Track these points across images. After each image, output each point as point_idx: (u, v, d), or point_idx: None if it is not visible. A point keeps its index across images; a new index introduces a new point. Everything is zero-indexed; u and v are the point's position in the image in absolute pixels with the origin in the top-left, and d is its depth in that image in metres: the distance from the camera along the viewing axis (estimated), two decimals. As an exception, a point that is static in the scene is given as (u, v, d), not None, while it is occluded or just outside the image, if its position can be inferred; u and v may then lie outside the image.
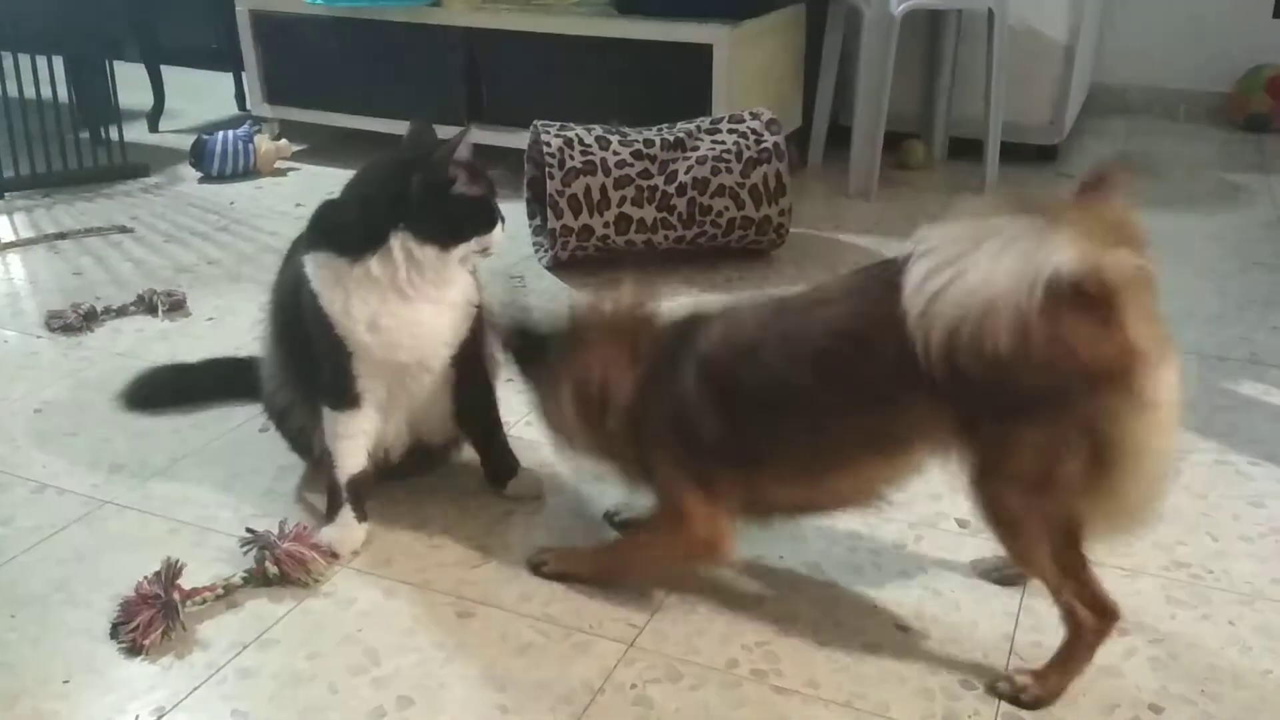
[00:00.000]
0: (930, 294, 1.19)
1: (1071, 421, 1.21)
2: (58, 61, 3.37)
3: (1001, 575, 1.54)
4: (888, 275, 1.29)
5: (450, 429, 1.74)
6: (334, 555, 1.59)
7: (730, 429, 1.42)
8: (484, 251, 1.59)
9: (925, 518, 1.68)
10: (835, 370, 1.34)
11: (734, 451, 1.43)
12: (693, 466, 1.46)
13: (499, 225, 1.58)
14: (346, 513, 1.62)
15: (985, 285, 1.16)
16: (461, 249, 1.55)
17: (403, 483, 1.77)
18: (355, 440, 1.62)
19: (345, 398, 1.59)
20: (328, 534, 1.61)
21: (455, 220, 1.54)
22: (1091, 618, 1.29)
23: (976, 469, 1.29)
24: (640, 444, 1.51)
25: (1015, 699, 1.32)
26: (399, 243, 1.51)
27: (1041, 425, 1.22)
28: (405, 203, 1.51)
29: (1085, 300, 1.16)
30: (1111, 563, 1.53)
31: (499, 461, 1.78)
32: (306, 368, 1.63)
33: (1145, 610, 1.49)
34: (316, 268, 1.55)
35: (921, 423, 1.30)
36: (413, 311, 1.56)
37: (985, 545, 1.61)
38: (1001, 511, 1.28)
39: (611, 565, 1.56)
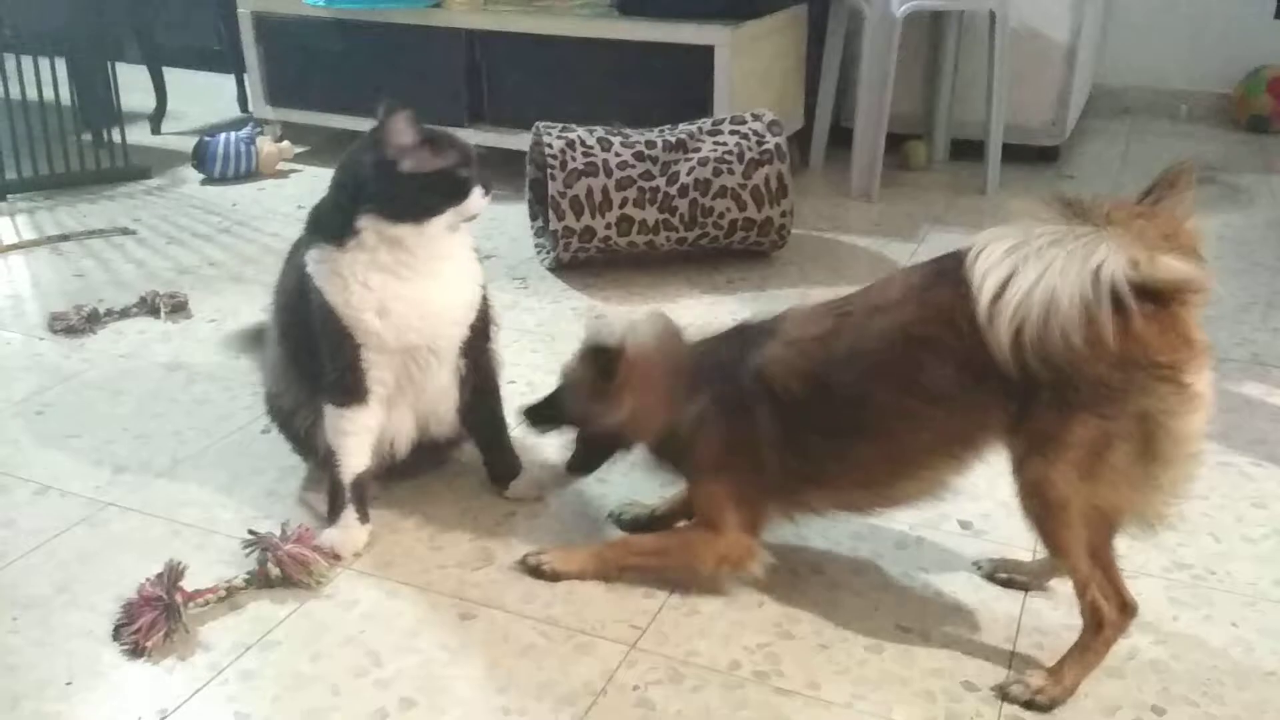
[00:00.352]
0: (994, 293, 1.22)
1: (1129, 412, 1.23)
2: (60, 64, 3.37)
3: (1004, 577, 1.54)
4: (944, 270, 1.32)
5: (456, 423, 1.74)
6: (336, 557, 1.59)
7: (793, 450, 1.44)
8: (468, 219, 1.58)
9: (927, 519, 1.68)
10: (906, 377, 1.35)
11: (794, 471, 1.45)
12: (742, 486, 1.47)
13: (474, 193, 1.56)
14: (349, 514, 1.62)
15: (1045, 286, 1.19)
16: (437, 222, 1.54)
17: (405, 485, 1.77)
18: (360, 438, 1.62)
19: (352, 393, 1.59)
20: (329, 536, 1.61)
21: (417, 196, 1.53)
22: (1114, 613, 1.30)
23: (1026, 453, 1.30)
24: (689, 455, 1.52)
25: (1030, 701, 1.32)
26: (369, 224, 1.51)
27: (1100, 415, 1.24)
28: (363, 186, 1.52)
29: (1147, 299, 1.20)
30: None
31: (502, 462, 1.78)
32: (311, 367, 1.62)
33: (1148, 611, 1.48)
34: (315, 262, 1.56)
35: (988, 418, 1.32)
36: (417, 291, 1.56)
37: (988, 546, 1.61)
38: (1049, 494, 1.29)
39: (619, 563, 1.55)
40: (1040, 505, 1.30)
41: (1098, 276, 1.18)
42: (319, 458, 1.70)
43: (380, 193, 1.51)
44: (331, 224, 1.55)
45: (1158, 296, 1.21)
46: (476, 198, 1.56)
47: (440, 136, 1.56)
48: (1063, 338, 1.19)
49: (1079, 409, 1.24)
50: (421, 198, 1.53)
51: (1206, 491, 1.75)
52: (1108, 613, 1.31)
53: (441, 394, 1.67)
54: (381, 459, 1.68)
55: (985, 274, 1.23)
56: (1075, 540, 1.30)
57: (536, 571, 1.56)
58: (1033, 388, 1.25)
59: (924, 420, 1.36)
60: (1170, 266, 1.20)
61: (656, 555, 1.55)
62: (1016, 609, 1.49)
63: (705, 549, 1.49)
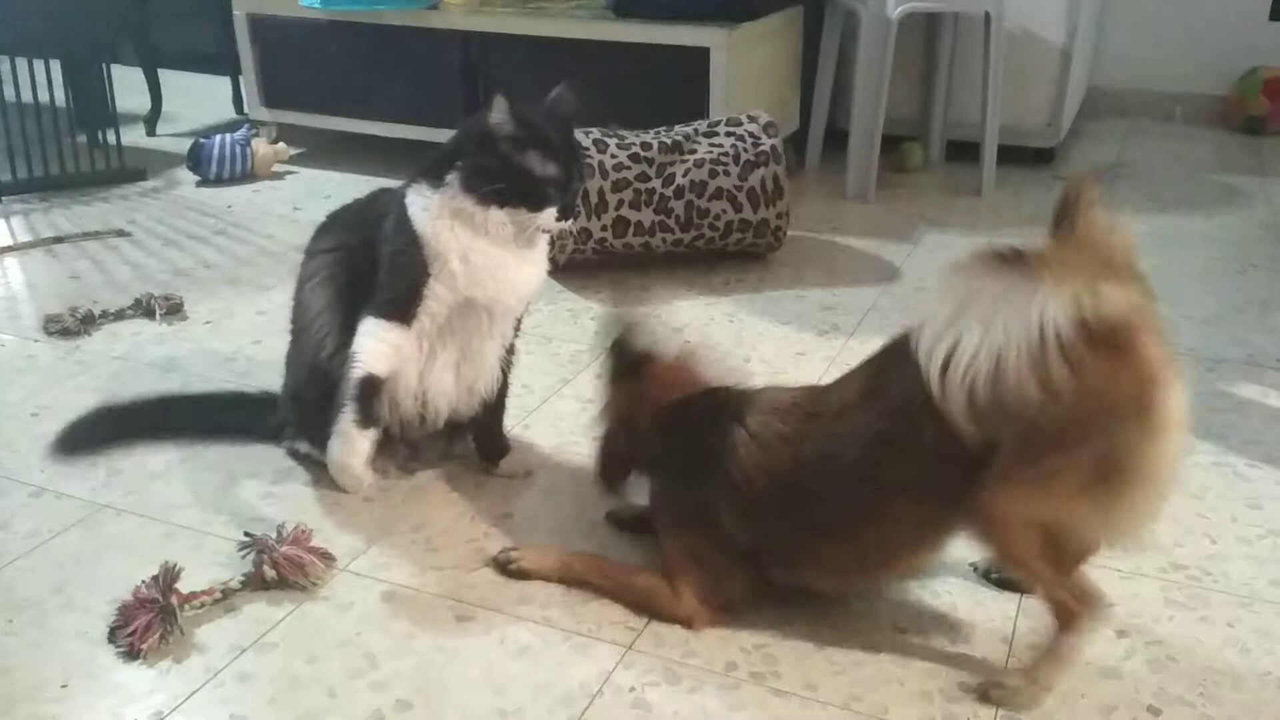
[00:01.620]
0: (940, 365, 1.20)
1: (1087, 450, 1.21)
2: (55, 65, 3.37)
3: (1000, 577, 1.54)
4: (894, 353, 1.31)
5: (482, 402, 1.76)
6: (345, 486, 1.67)
7: (758, 535, 1.43)
8: (536, 229, 1.60)
9: (923, 520, 1.68)
10: (874, 480, 1.34)
11: (761, 552, 1.44)
12: (706, 549, 1.46)
13: (547, 211, 1.58)
14: (346, 416, 1.62)
15: (990, 346, 1.17)
16: (498, 213, 1.57)
17: (401, 487, 1.77)
18: (386, 348, 1.62)
19: (401, 312, 1.61)
20: (330, 449, 1.65)
21: (495, 180, 1.55)
22: (1082, 608, 1.29)
23: (979, 490, 1.27)
24: (657, 500, 1.54)
25: (1011, 702, 1.32)
26: (453, 180, 1.57)
27: (1057, 454, 1.22)
28: (464, 144, 1.59)
29: (1095, 337, 1.16)
30: (1110, 564, 1.53)
31: (495, 439, 1.81)
32: (356, 305, 1.64)
33: (1143, 612, 1.49)
34: (415, 195, 1.61)
35: (959, 497, 1.28)
36: (497, 253, 1.59)
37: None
38: (991, 512, 1.27)
39: (583, 577, 1.54)
40: (984, 523, 1.29)
41: (1041, 324, 1.15)
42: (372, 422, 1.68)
43: (472, 161, 1.56)
44: (433, 169, 1.60)
45: (1109, 329, 1.17)
46: (546, 215, 1.58)
47: (557, 145, 1.57)
48: (1015, 394, 1.17)
49: (1038, 451, 1.22)
50: (496, 183, 1.55)
51: (1202, 492, 1.76)
52: (1077, 609, 1.29)
53: (486, 364, 1.72)
54: (418, 420, 1.71)
55: (930, 350, 1.21)
56: (1026, 550, 1.28)
57: (505, 567, 1.56)
58: (995, 450, 1.23)
59: (895, 519, 1.35)
60: (1113, 297, 1.17)
61: (617, 589, 1.52)
62: (1013, 609, 1.49)
63: (661, 607, 1.48)
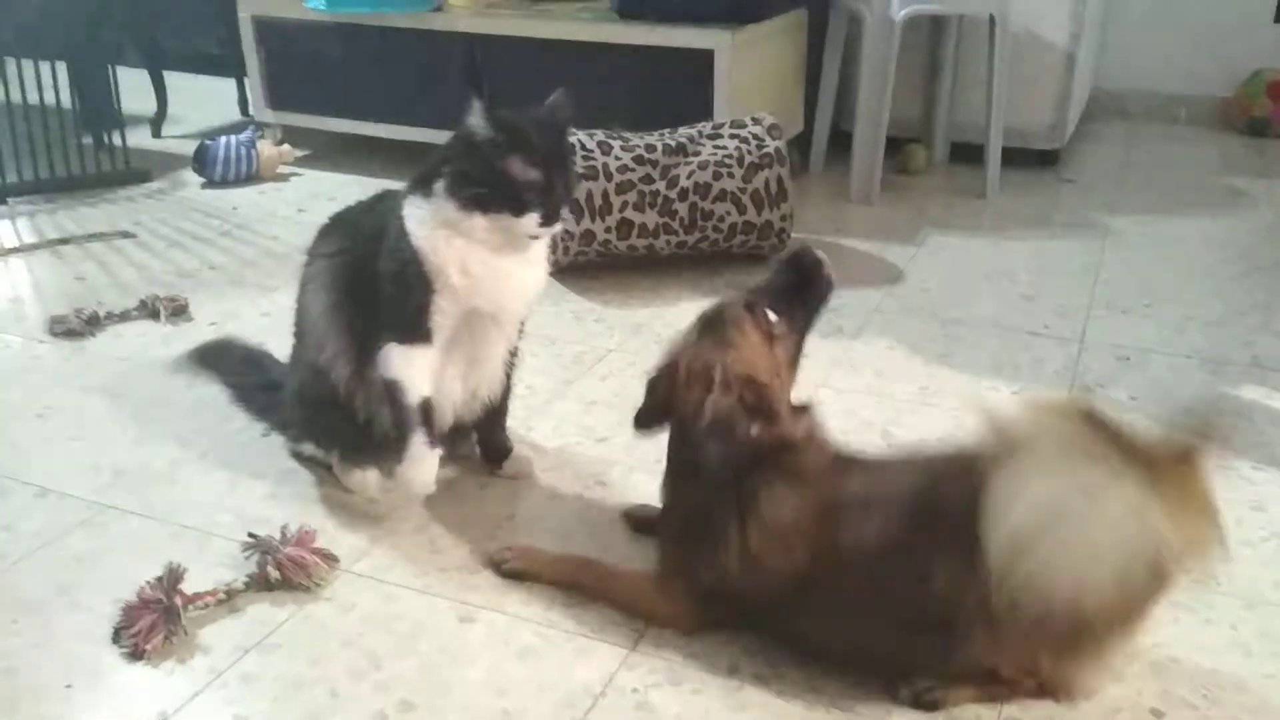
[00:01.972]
0: (1017, 543, 1.14)
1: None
2: (61, 67, 3.37)
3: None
4: (944, 475, 1.30)
5: (486, 406, 1.77)
6: (409, 493, 1.67)
7: (755, 594, 1.39)
8: (522, 235, 1.57)
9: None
10: (887, 593, 1.30)
11: (758, 610, 1.41)
12: (702, 582, 1.42)
13: (528, 216, 1.55)
14: (417, 438, 1.64)
15: (1083, 556, 1.14)
16: (481, 219, 1.55)
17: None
18: (422, 371, 1.64)
19: (419, 333, 1.61)
20: (400, 473, 1.66)
21: (476, 185, 1.54)
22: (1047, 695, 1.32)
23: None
24: (670, 499, 1.50)
25: (921, 701, 1.32)
26: (439, 189, 1.56)
27: (1087, 635, 1.24)
28: (451, 149, 1.57)
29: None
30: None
31: (498, 440, 1.82)
32: (359, 314, 1.65)
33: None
34: (411, 207, 1.60)
35: (964, 625, 1.26)
36: (494, 261, 1.59)
37: (987, 550, 1.61)
38: (1002, 668, 1.30)
39: (574, 578, 1.54)
40: (985, 668, 1.30)
41: (1147, 560, 1.14)
42: (359, 423, 1.70)
43: (457, 167, 1.55)
44: (424, 178, 1.59)
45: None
46: (529, 221, 1.56)
47: (540, 150, 1.54)
48: (1073, 601, 1.15)
49: (1069, 630, 1.22)
50: (477, 188, 1.54)
51: (1206, 495, 1.75)
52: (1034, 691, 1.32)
53: (491, 369, 1.72)
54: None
55: (1012, 519, 1.14)
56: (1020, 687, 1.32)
57: (498, 567, 1.57)
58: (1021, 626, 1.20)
59: (894, 635, 1.32)
60: (1205, 545, 1.18)
61: (607, 591, 1.51)
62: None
63: (647, 609, 1.47)
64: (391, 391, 1.64)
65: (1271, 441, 1.92)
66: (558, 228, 1.60)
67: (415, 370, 1.63)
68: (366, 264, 1.64)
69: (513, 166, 1.53)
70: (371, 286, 1.63)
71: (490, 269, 1.59)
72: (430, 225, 1.57)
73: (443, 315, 1.61)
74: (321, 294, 1.71)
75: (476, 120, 1.53)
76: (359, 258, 1.67)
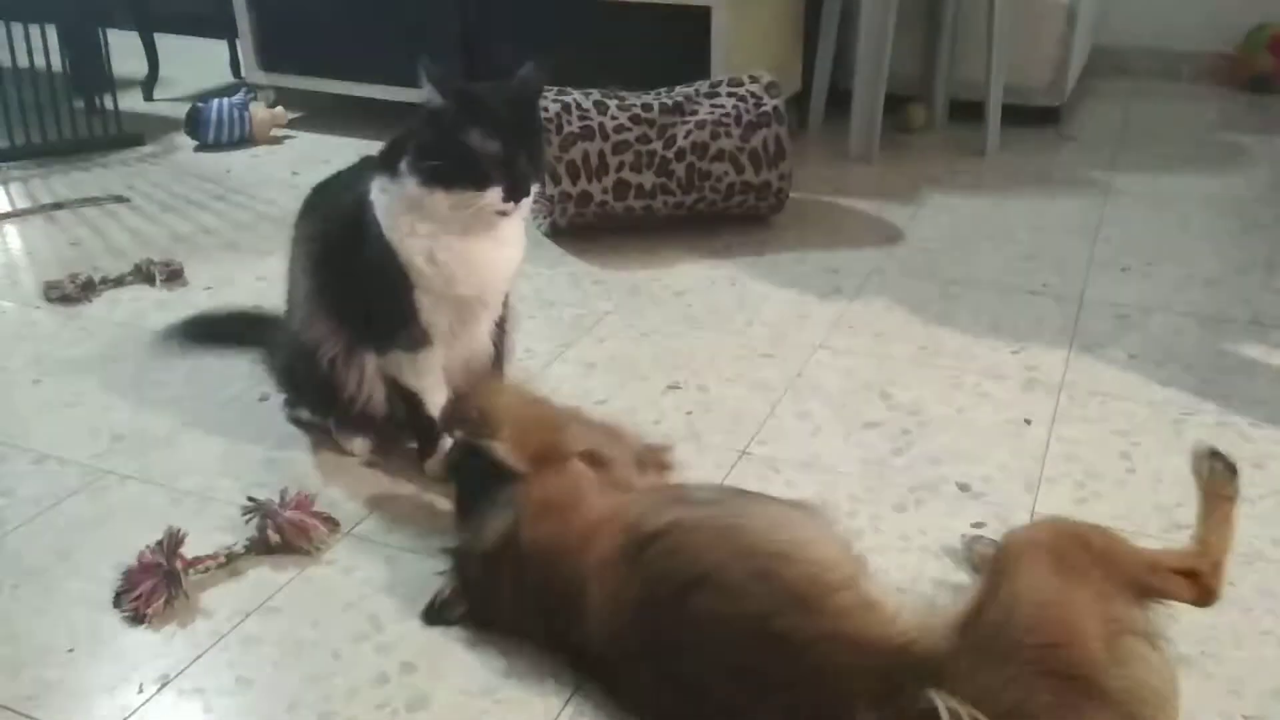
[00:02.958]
0: None
1: None
2: (51, 30, 3.34)
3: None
4: None
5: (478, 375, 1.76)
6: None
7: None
8: (487, 210, 1.50)
9: (926, 481, 1.68)
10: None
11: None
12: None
13: (491, 191, 1.49)
14: (444, 444, 1.68)
15: None
16: (443, 195, 1.49)
17: (402, 451, 1.77)
18: (435, 375, 1.66)
19: (420, 338, 1.61)
20: (431, 468, 1.70)
21: (437, 160, 1.48)
22: None
23: None
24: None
25: None
26: (403, 168, 1.51)
27: None
28: (413, 128, 1.52)
29: None
30: (1113, 525, 1.53)
31: None
32: (343, 298, 1.63)
33: (1146, 572, 1.49)
34: (378, 191, 1.56)
35: None
36: (464, 244, 1.55)
37: (986, 508, 1.62)
38: None
39: None
40: None
41: None
42: (344, 396, 1.69)
43: (420, 143, 1.50)
44: (389, 157, 1.55)
45: None
46: (491, 195, 1.49)
47: (503, 121, 1.48)
48: None
49: None
50: (438, 160, 1.48)
51: (1205, 452, 1.75)
52: None
53: (478, 342, 1.71)
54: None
55: None
56: None
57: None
58: None
59: None
60: None
61: None
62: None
63: None
64: (410, 401, 1.67)
65: (1270, 399, 1.91)
66: (526, 203, 1.54)
67: (429, 380, 1.65)
68: (344, 249, 1.61)
69: (472, 137, 1.46)
70: (353, 273, 1.60)
71: (457, 254, 1.54)
72: (396, 211, 1.53)
73: (429, 311, 1.59)
74: (304, 278, 1.69)
75: (428, 90, 1.46)
76: (336, 243, 1.63)
